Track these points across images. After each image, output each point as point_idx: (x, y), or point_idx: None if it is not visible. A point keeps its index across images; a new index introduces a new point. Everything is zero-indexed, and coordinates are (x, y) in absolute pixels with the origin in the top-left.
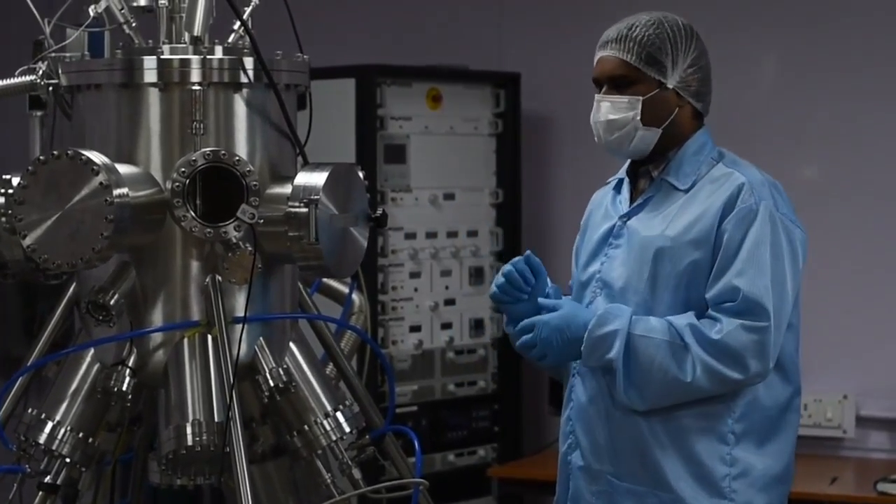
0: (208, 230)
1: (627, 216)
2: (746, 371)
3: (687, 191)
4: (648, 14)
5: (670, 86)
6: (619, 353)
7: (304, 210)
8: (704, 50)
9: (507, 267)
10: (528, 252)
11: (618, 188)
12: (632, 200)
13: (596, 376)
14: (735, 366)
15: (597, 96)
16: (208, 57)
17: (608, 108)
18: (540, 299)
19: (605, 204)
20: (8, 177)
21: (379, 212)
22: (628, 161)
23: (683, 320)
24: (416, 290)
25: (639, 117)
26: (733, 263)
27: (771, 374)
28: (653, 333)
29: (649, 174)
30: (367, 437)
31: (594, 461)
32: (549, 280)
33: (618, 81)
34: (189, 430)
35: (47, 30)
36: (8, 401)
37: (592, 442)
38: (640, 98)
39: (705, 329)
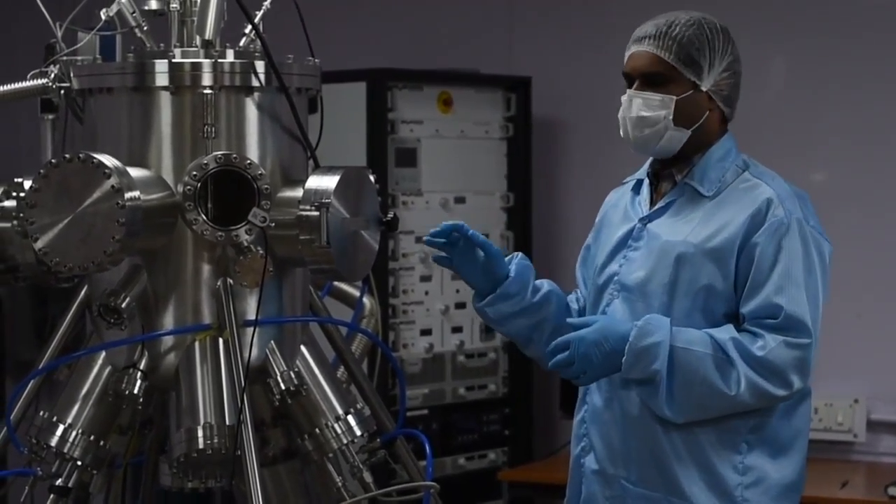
0: (220, 233)
1: (648, 219)
2: (790, 387)
3: (712, 197)
4: (687, 13)
5: (704, 88)
6: (664, 365)
7: (316, 213)
8: (738, 55)
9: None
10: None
11: (636, 189)
12: (652, 203)
13: (612, 381)
14: (779, 382)
15: (629, 91)
16: (220, 60)
17: (640, 105)
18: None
19: (624, 205)
20: (20, 180)
21: (390, 215)
22: (647, 162)
23: (725, 334)
24: (426, 293)
25: (671, 117)
26: (770, 279)
27: None
28: (695, 346)
29: (672, 177)
30: (378, 440)
31: (608, 465)
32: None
33: (652, 78)
34: (200, 433)
35: (59, 33)
36: (19, 404)
37: (607, 446)
38: (674, 98)
39: (748, 344)
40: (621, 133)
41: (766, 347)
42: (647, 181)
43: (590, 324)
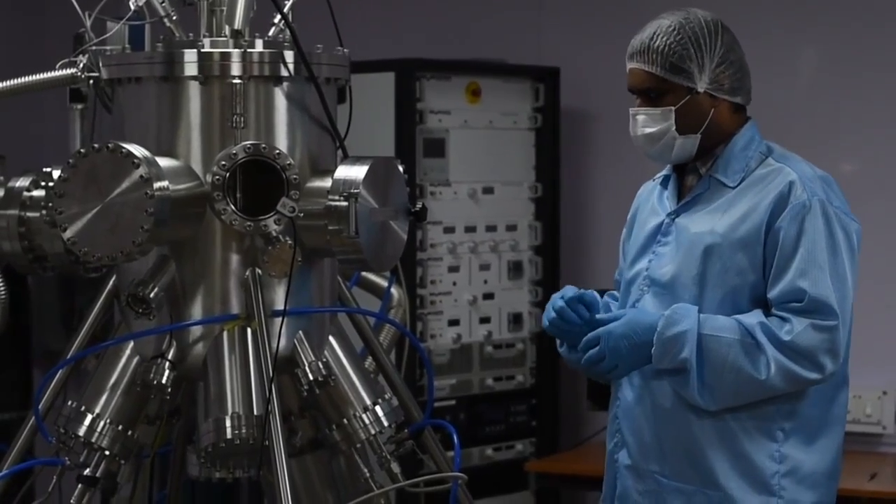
0: (248, 223)
1: (676, 213)
2: (822, 370)
3: (735, 187)
4: (670, 17)
5: (701, 90)
6: (693, 353)
7: (344, 204)
8: (733, 42)
9: (559, 302)
10: (581, 291)
11: (665, 184)
12: (679, 197)
13: (644, 375)
14: (810, 365)
15: (631, 109)
16: (249, 50)
17: (643, 122)
18: (598, 315)
19: (653, 200)
20: (48, 169)
21: (418, 206)
22: None
23: (753, 319)
24: (454, 284)
25: (674, 128)
26: (794, 262)
27: None
28: (723, 332)
29: (697, 171)
30: (406, 430)
31: (641, 460)
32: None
33: (647, 93)
34: (228, 423)
35: (88, 23)
36: (48, 393)
37: (639, 441)
38: (672, 108)
39: (776, 329)
40: (637, 149)
41: (793, 331)
42: (673, 175)
43: (618, 318)
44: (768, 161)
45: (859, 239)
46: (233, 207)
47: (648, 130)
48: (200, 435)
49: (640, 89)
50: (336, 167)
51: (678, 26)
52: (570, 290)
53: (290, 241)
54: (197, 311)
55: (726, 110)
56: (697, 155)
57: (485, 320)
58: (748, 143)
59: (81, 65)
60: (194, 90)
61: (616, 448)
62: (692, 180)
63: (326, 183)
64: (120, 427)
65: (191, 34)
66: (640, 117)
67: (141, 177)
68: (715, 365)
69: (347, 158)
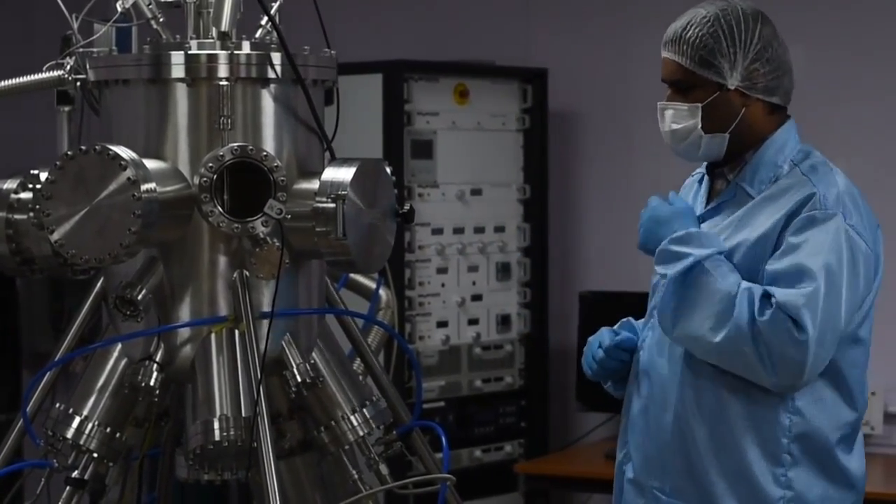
0: (236, 225)
1: (701, 218)
2: (789, 377)
3: (757, 197)
4: (707, 7)
5: (731, 86)
6: (677, 274)
7: (332, 205)
8: (772, 37)
9: (600, 353)
10: (619, 338)
11: (701, 181)
12: (708, 200)
13: (652, 387)
14: (766, 363)
15: (659, 104)
16: (236, 52)
17: (671, 117)
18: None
19: (689, 199)
20: (36, 172)
21: (406, 207)
22: None
23: (759, 290)
24: (443, 285)
25: (700, 126)
26: (778, 264)
27: (833, 394)
28: (720, 277)
29: (724, 176)
30: (394, 432)
31: (643, 474)
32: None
33: (677, 85)
34: (216, 425)
35: (75, 25)
36: (35, 396)
37: (642, 454)
38: (699, 105)
39: (756, 308)
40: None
41: (766, 317)
42: (706, 177)
43: (672, 203)
44: (795, 172)
45: (866, 261)
46: (220, 209)
47: (675, 127)
48: (189, 437)
49: (670, 80)
50: (323, 169)
51: (714, 17)
52: (606, 337)
53: (277, 243)
54: (185, 312)
55: (760, 111)
56: (728, 158)
57: (473, 322)
58: (781, 147)
59: (69, 67)
60: (181, 92)
61: (624, 460)
62: (721, 185)
63: (314, 185)
64: (108, 429)
65: (178, 36)
66: (668, 112)
67: (128, 179)
68: (689, 296)
69: (335, 160)
